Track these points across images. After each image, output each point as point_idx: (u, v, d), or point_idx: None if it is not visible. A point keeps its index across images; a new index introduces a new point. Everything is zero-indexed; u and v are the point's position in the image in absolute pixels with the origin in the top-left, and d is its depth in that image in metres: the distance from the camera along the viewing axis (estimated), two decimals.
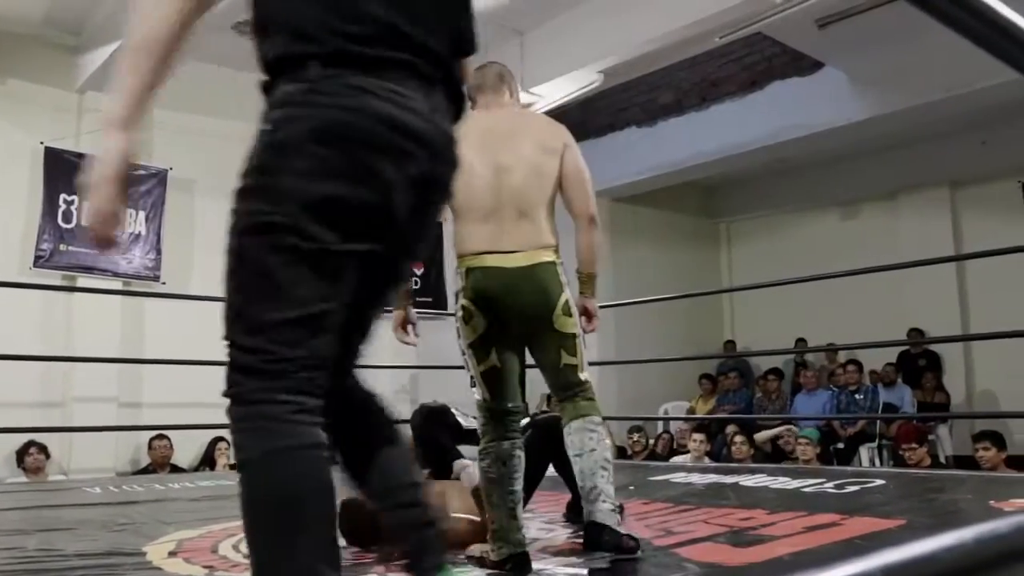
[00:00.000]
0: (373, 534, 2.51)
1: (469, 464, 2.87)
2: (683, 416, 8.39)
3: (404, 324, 2.50)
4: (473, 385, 2.38)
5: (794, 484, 3.75)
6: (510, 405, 2.36)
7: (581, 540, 2.48)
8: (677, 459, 6.32)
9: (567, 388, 2.47)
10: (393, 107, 1.21)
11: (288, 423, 1.15)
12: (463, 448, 3.18)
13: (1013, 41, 0.74)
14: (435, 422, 3.12)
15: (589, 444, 2.42)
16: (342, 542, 2.73)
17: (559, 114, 7.52)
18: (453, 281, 2.48)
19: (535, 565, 2.30)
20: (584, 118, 9.13)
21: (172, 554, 2.64)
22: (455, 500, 2.77)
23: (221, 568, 2.43)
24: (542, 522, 2.89)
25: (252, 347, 1.17)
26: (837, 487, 3.58)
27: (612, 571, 2.29)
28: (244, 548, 2.77)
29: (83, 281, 6.26)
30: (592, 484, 2.37)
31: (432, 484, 2.85)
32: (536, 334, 2.42)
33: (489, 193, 2.35)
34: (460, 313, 2.35)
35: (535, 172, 2.42)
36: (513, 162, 2.39)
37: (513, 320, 2.36)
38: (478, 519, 2.57)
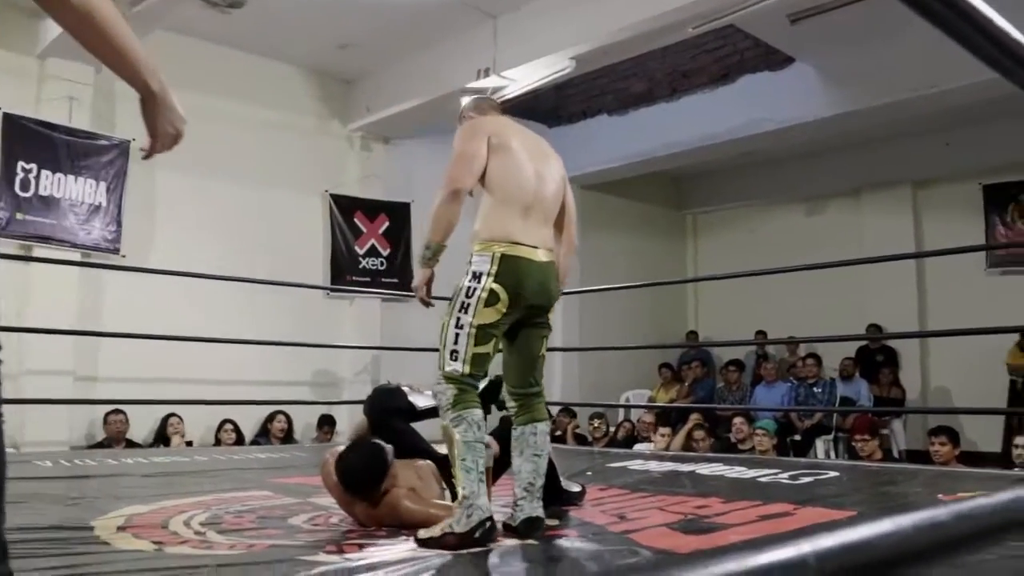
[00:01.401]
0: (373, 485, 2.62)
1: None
2: (644, 404, 8.44)
3: (430, 283, 2.62)
4: (453, 359, 2.43)
5: (750, 474, 3.82)
6: (481, 385, 2.53)
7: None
8: (640, 447, 6.35)
9: (534, 382, 2.66)
10: None
11: None
12: (417, 426, 3.17)
13: (990, 39, 0.75)
14: (386, 406, 3.10)
15: (547, 447, 2.62)
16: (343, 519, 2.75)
17: (531, 99, 7.58)
18: (460, 262, 2.55)
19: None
20: (557, 104, 9.11)
21: (121, 529, 2.60)
22: (433, 483, 2.78)
23: (170, 544, 2.40)
24: (500, 504, 2.89)
25: None
26: (792, 478, 3.64)
27: (568, 552, 2.30)
28: (195, 524, 2.75)
29: (40, 251, 6.11)
30: (540, 483, 2.54)
31: (426, 467, 2.85)
32: (534, 325, 2.62)
33: (530, 192, 2.55)
34: (483, 295, 2.44)
35: (559, 192, 2.71)
36: (549, 176, 2.65)
37: (524, 309, 2.53)
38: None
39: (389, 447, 2.66)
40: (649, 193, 10.38)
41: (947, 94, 6.36)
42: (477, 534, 2.27)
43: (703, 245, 11.16)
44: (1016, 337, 7.63)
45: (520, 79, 6.43)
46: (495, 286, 2.42)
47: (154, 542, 2.41)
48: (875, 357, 8.57)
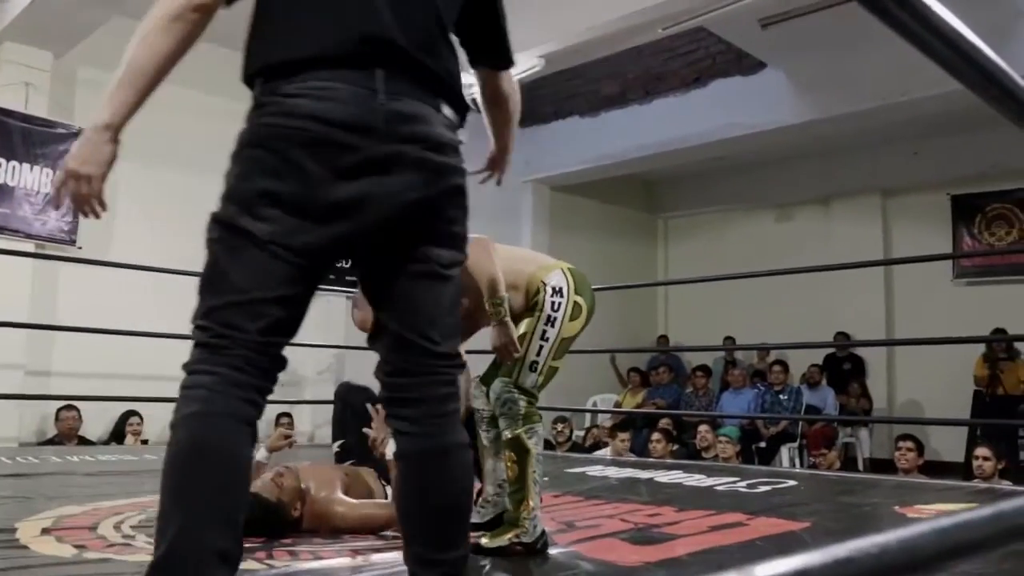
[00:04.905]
0: (280, 525, 2.46)
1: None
2: (611, 409, 8.37)
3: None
4: (532, 370, 2.42)
5: (708, 482, 3.78)
6: None
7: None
8: (599, 453, 6.26)
9: None
10: (313, 101, 1.33)
11: (211, 391, 1.31)
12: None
13: (955, 50, 0.74)
14: (362, 403, 3.03)
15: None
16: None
17: None
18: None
19: None
20: (528, 104, 8.94)
21: (46, 531, 2.49)
22: (375, 486, 2.72)
23: (94, 548, 2.28)
24: None
25: (200, 325, 1.35)
26: (749, 486, 3.61)
27: (502, 565, 2.22)
28: (126, 527, 2.63)
29: None
30: None
31: (356, 471, 2.77)
32: None
33: None
34: (571, 309, 2.45)
35: None
36: None
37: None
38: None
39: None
40: (620, 196, 10.32)
41: (916, 103, 6.34)
42: (539, 545, 2.32)
43: (674, 249, 11.12)
44: (983, 348, 7.66)
45: None
46: (578, 298, 2.46)
47: (76, 546, 2.29)
48: (842, 365, 8.57)
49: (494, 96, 1.77)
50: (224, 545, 1.26)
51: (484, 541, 2.34)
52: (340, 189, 1.34)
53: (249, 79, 1.42)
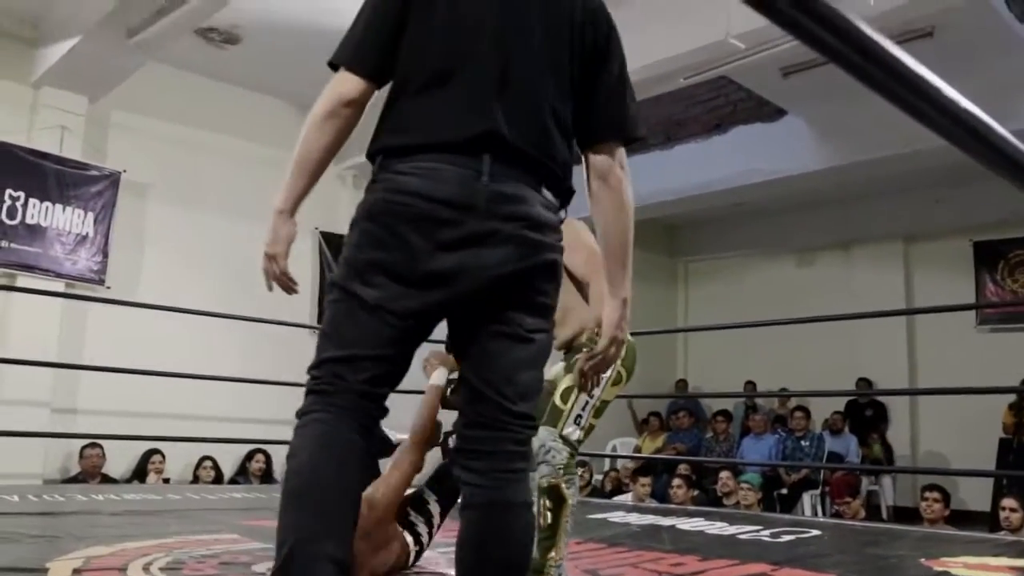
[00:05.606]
0: None
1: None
2: (631, 455, 8.33)
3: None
4: (576, 423, 2.42)
5: (731, 530, 3.75)
6: None
7: None
8: (619, 498, 6.23)
9: None
10: (421, 180, 1.48)
11: (327, 425, 1.48)
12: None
13: (939, 109, 0.75)
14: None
15: None
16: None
17: None
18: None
19: None
20: None
21: (76, 572, 2.51)
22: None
23: None
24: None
25: (314, 375, 1.52)
26: (773, 535, 3.58)
27: None
28: (154, 569, 2.66)
29: (23, 280, 6.06)
30: None
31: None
32: None
33: None
34: (613, 374, 2.39)
35: None
36: None
37: None
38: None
39: None
40: (641, 240, 9.91)
41: (936, 151, 6.32)
42: None
43: (694, 293, 11.13)
44: (1011, 396, 7.58)
45: None
46: (621, 369, 2.43)
47: None
48: (864, 412, 8.50)
49: (603, 179, 1.74)
50: (336, 553, 1.41)
51: None
52: (439, 260, 1.48)
53: (371, 156, 1.59)
